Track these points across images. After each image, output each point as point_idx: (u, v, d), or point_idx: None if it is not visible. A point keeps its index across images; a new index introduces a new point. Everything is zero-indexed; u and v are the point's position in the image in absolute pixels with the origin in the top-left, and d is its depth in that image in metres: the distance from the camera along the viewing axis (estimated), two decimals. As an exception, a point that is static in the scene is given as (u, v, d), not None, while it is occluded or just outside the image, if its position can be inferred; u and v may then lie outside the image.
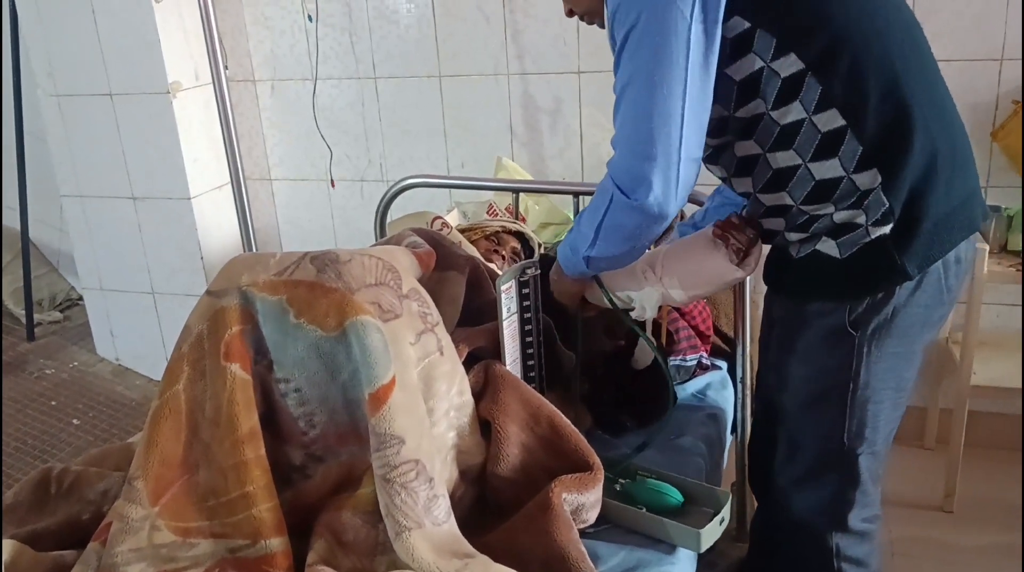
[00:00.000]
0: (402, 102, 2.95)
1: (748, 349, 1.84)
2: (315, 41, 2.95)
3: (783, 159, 1.28)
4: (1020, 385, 2.31)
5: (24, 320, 3.65)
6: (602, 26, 1.41)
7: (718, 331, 1.90)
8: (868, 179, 1.24)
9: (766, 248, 1.44)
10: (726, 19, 1.20)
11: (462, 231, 1.91)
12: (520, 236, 1.99)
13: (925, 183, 1.25)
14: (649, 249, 1.40)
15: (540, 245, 2.03)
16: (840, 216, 1.28)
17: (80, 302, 3.81)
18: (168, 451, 1.15)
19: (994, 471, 2.50)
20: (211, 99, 2.98)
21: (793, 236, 1.34)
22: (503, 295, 1.38)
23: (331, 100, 3.03)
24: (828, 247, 1.30)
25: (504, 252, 1.93)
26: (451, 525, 1.17)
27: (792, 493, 1.51)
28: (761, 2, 1.21)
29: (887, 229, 1.26)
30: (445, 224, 1.79)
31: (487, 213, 2.50)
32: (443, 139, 2.95)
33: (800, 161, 1.26)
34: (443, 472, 1.22)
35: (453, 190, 2.82)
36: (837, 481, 1.45)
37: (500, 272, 1.72)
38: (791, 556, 1.56)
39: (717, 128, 1.32)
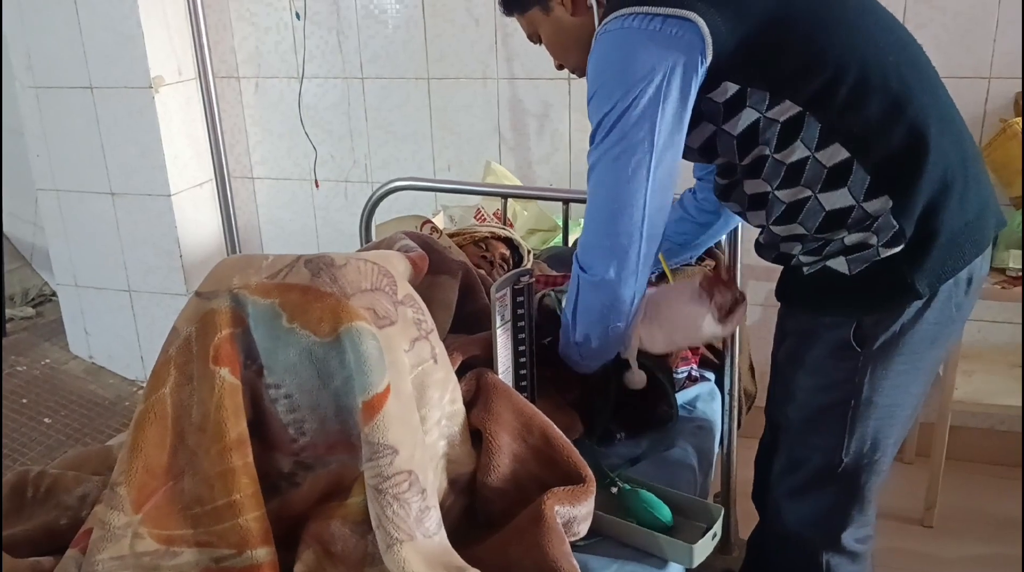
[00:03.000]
0: (388, 103, 2.93)
1: (736, 361, 1.84)
2: (301, 39, 2.92)
3: (792, 194, 1.28)
4: (1002, 401, 2.32)
5: (-5, 315, 3.58)
6: (573, 72, 1.45)
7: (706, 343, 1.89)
8: (879, 205, 1.24)
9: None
10: (714, 86, 1.23)
11: (450, 236, 1.89)
12: (509, 242, 1.97)
13: (939, 199, 1.25)
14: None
15: (529, 251, 2.01)
16: (851, 238, 1.28)
17: (53, 298, 3.74)
18: (152, 457, 1.11)
19: (974, 485, 2.52)
20: (193, 95, 2.95)
21: (806, 258, 1.34)
22: (497, 303, 1.36)
23: (316, 99, 3.00)
24: (838, 263, 1.30)
25: (493, 258, 1.91)
26: (442, 537, 1.15)
27: (786, 505, 1.51)
28: (747, 63, 1.22)
29: (898, 249, 1.26)
30: (435, 228, 1.76)
31: (474, 218, 2.49)
32: (429, 142, 2.93)
33: (810, 193, 1.27)
34: (434, 482, 1.20)
35: (438, 193, 2.80)
36: (834, 497, 1.44)
37: (489, 278, 1.70)
38: (781, 570, 1.56)
39: (726, 170, 1.34)
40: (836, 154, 1.23)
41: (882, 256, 1.27)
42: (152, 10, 2.78)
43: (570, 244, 2.29)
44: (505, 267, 1.93)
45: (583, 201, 2.32)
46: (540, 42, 1.44)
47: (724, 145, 1.29)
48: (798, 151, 1.24)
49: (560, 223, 2.33)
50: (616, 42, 1.23)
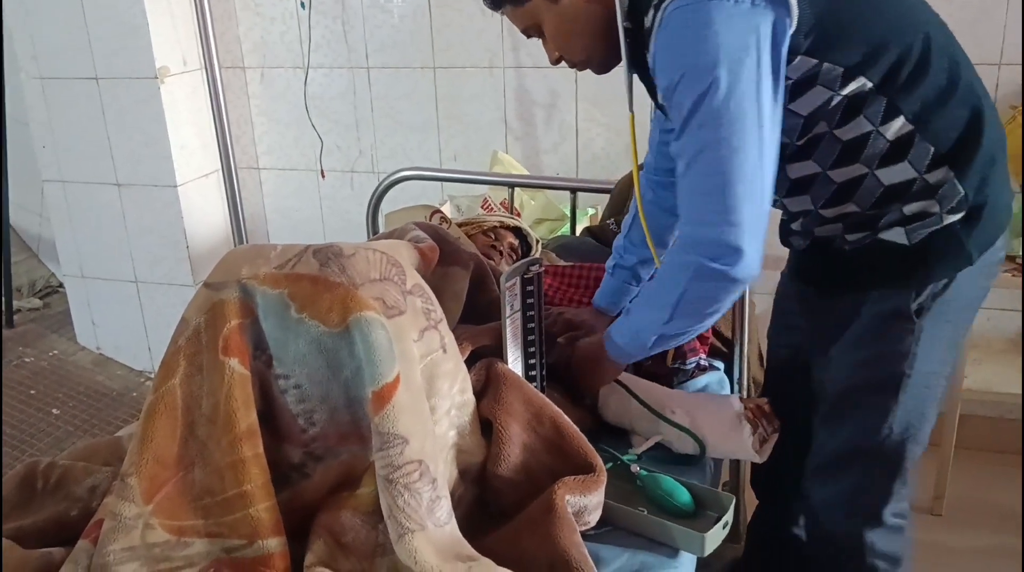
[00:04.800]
0: (395, 93, 2.92)
1: (746, 350, 1.83)
2: (307, 29, 2.91)
3: (847, 173, 1.27)
4: (1011, 389, 2.31)
5: (3, 306, 3.58)
6: (597, 71, 1.39)
7: (716, 332, 1.88)
8: (941, 175, 1.25)
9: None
10: (789, 61, 1.17)
11: (459, 225, 1.88)
12: (518, 232, 1.97)
13: (991, 168, 1.27)
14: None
15: (537, 241, 2.00)
16: (911, 208, 1.27)
17: (60, 289, 3.75)
18: (163, 448, 1.11)
19: (983, 474, 2.51)
20: (199, 85, 2.94)
21: (852, 235, 1.33)
22: (507, 293, 1.35)
23: (322, 89, 2.99)
24: (895, 235, 1.29)
25: (501, 248, 1.90)
26: (452, 527, 1.15)
27: (823, 485, 1.49)
28: (824, 37, 1.17)
29: (959, 216, 1.27)
30: (444, 218, 1.76)
31: (481, 207, 2.48)
32: (436, 131, 2.92)
33: (866, 170, 1.26)
34: (444, 472, 1.20)
35: (444, 183, 2.79)
36: (876, 472, 1.43)
37: (498, 268, 1.70)
38: (817, 553, 1.54)
39: None
40: (900, 127, 1.23)
41: (944, 222, 1.27)
42: (157, 0, 2.77)
43: (577, 233, 2.28)
44: (513, 257, 1.92)
45: (590, 190, 2.34)
46: (537, 35, 1.37)
47: (790, 125, 1.23)
48: (858, 126, 1.22)
49: (568, 213, 2.32)
50: (699, 17, 1.13)
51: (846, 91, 1.21)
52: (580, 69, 1.39)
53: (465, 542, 1.14)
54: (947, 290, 1.31)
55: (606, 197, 2.26)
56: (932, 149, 1.24)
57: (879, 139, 1.23)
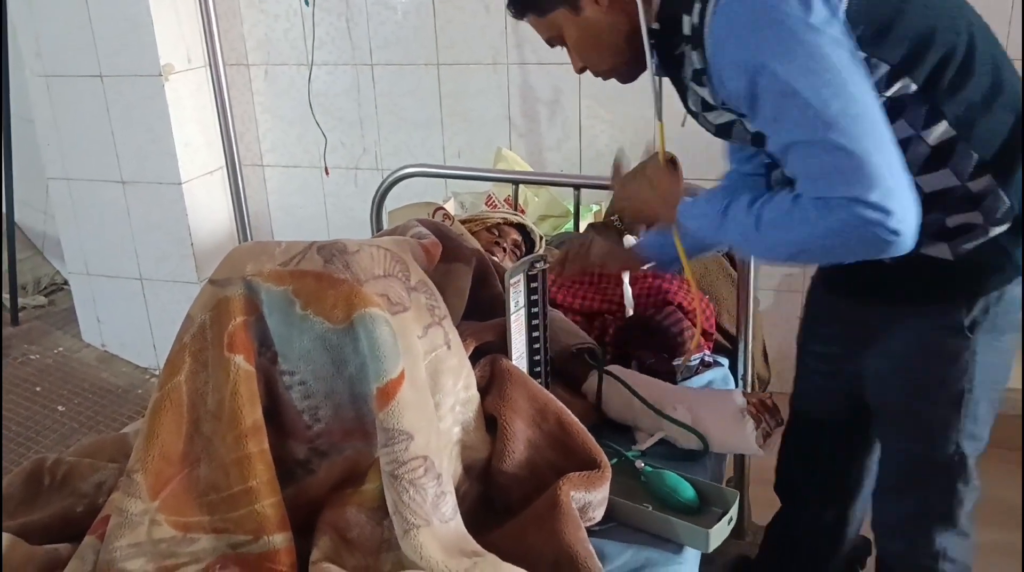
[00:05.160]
0: (399, 90, 2.92)
1: (750, 346, 1.83)
2: (311, 26, 2.91)
3: None
4: (1012, 384, 2.30)
5: (8, 304, 3.59)
6: (623, 80, 1.35)
7: (720, 328, 1.88)
8: (984, 183, 1.20)
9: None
10: None
11: (462, 222, 1.89)
12: (521, 228, 1.97)
13: None
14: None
15: (541, 238, 2.00)
16: (954, 221, 1.23)
17: (65, 286, 3.75)
18: (168, 444, 1.11)
19: (990, 470, 2.49)
20: (203, 83, 2.94)
21: None
22: (511, 289, 1.35)
23: (326, 86, 2.99)
24: (938, 250, 1.25)
25: (505, 244, 1.91)
26: (457, 522, 1.15)
27: (893, 498, 1.49)
28: (872, 30, 1.13)
29: (1006, 226, 1.23)
30: (447, 215, 1.76)
31: (485, 204, 2.48)
32: (440, 128, 2.92)
33: None
34: (449, 468, 1.20)
35: (448, 180, 2.79)
36: (946, 481, 1.42)
37: (501, 265, 1.70)
38: (889, 562, 1.54)
39: None
40: (943, 132, 1.18)
41: (991, 235, 1.23)
42: (161, -2, 2.77)
43: (581, 230, 2.28)
44: (517, 253, 1.92)
45: (594, 186, 2.33)
46: (561, 45, 1.34)
47: None
48: (901, 130, 1.16)
49: (571, 209, 2.32)
50: (761, 3, 1.09)
51: (889, 92, 1.16)
52: (605, 78, 1.36)
53: (470, 538, 1.14)
54: (1000, 302, 1.28)
55: (610, 194, 2.25)
56: (976, 155, 1.19)
57: (920, 144, 1.19)
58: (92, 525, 1.14)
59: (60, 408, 3.01)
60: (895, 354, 1.37)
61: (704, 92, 1.24)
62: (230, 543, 1.10)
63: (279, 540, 1.09)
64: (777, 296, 2.68)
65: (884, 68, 1.15)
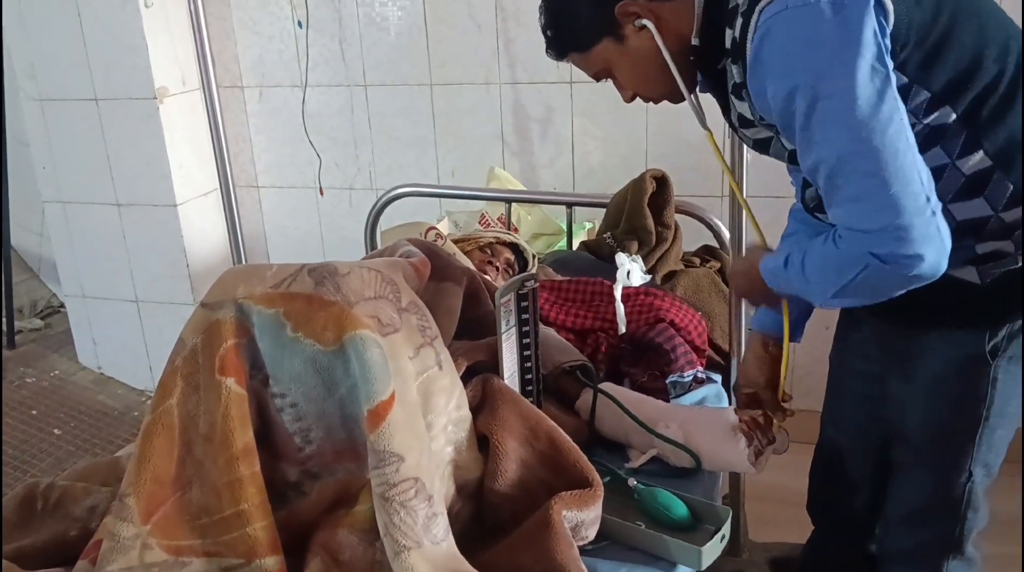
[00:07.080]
0: (392, 110, 2.93)
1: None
2: (304, 47, 2.93)
3: None
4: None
5: (4, 327, 3.59)
6: (676, 101, 1.33)
7: (713, 344, 1.89)
8: (1017, 214, 1.18)
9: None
10: None
11: (455, 242, 1.90)
12: (514, 247, 1.98)
13: None
14: None
15: (534, 256, 2.01)
16: (984, 247, 1.21)
17: (61, 309, 3.76)
18: (160, 467, 1.12)
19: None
20: (197, 105, 2.95)
21: None
22: (502, 308, 1.36)
23: (320, 107, 3.01)
24: (967, 274, 1.23)
25: (498, 263, 1.91)
26: (449, 543, 1.15)
27: (906, 525, 1.49)
28: (916, 56, 1.12)
29: None
30: (440, 235, 1.77)
31: (479, 223, 2.49)
32: (433, 147, 2.94)
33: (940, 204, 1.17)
34: (441, 488, 1.20)
35: (442, 199, 2.80)
36: (959, 509, 1.41)
37: (495, 284, 1.70)
38: None
39: None
40: (978, 162, 1.16)
41: (1020, 264, 1.21)
42: (155, 21, 2.79)
43: (574, 248, 2.29)
44: (510, 272, 1.93)
45: (587, 205, 2.35)
46: (607, 78, 1.33)
47: None
48: (935, 158, 1.15)
49: (564, 227, 2.33)
50: (807, 20, 1.07)
51: (928, 120, 1.15)
52: (657, 102, 1.35)
53: (462, 558, 1.14)
54: (1022, 332, 1.27)
55: (602, 211, 2.27)
56: (1011, 187, 1.17)
57: (955, 172, 1.17)
58: (84, 549, 1.14)
59: (56, 431, 3.00)
60: (918, 378, 1.36)
61: (743, 107, 1.24)
62: (222, 566, 1.10)
63: (271, 563, 1.09)
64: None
65: (925, 95, 1.14)
